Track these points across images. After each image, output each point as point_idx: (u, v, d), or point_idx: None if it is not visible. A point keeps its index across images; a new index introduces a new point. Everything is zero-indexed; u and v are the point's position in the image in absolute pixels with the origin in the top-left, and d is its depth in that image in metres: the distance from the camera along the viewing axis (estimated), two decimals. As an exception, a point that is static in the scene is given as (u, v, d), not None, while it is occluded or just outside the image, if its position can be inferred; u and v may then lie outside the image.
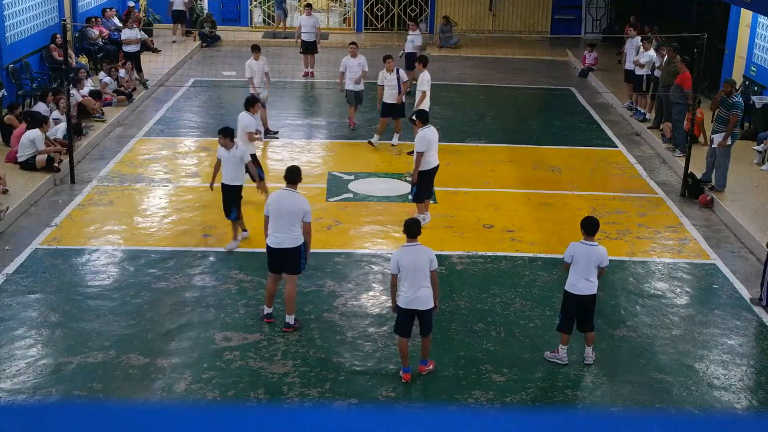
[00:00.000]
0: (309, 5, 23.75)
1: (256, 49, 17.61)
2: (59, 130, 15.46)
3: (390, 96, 16.41)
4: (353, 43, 18.38)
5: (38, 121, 14.71)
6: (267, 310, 10.02)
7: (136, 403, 8.36)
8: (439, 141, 17.09)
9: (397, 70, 16.48)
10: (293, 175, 9.78)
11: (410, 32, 21.45)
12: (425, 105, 15.61)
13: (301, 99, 20.92)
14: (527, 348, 9.70)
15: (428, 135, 12.60)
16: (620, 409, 8.81)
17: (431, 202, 13.37)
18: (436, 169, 12.88)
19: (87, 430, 1.93)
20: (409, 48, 20.98)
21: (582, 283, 9.07)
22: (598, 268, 9.12)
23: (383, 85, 16.46)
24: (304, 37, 22.66)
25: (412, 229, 8.88)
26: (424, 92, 15.88)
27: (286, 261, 9.73)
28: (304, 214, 9.58)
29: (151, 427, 1.95)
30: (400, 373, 9.03)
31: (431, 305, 8.81)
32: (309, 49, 22.77)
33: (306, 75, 22.70)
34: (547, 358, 9.35)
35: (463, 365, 9.29)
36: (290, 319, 9.87)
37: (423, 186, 12.73)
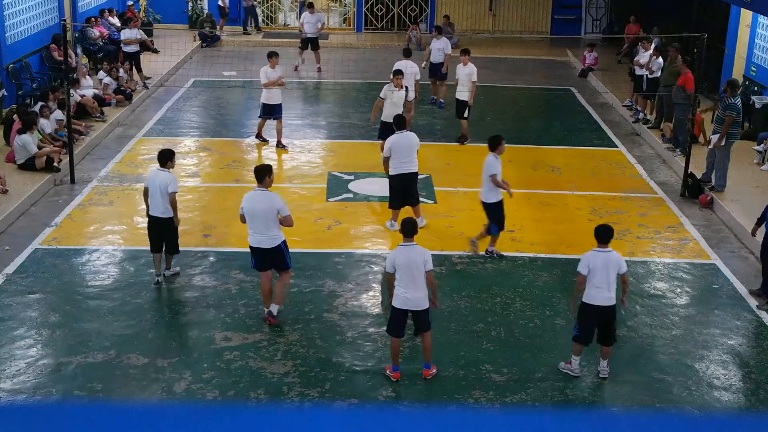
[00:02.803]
0: (311, 4, 23.96)
1: (272, 55, 16.48)
2: (47, 125, 15.41)
3: (390, 114, 14.53)
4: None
5: (27, 124, 14.46)
6: (267, 310, 10.03)
7: (136, 403, 8.36)
8: (440, 141, 17.33)
9: (406, 88, 15.08)
10: (261, 174, 9.71)
11: (435, 40, 20.07)
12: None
13: (301, 99, 20.91)
14: (527, 348, 9.69)
15: (391, 141, 12.30)
16: (620, 409, 8.80)
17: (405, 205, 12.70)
18: (406, 176, 12.30)
19: (87, 430, 1.93)
20: (438, 58, 19.80)
21: (600, 293, 8.79)
22: (620, 276, 8.88)
23: (384, 98, 14.99)
24: (308, 33, 23.07)
25: (409, 229, 8.86)
26: (473, 83, 16.81)
27: (270, 260, 9.79)
28: (279, 210, 9.60)
29: (151, 427, 1.95)
30: (389, 372, 9.01)
31: (426, 306, 8.80)
32: (310, 44, 23.17)
33: (296, 68, 22.84)
34: (561, 369, 9.19)
35: (463, 365, 9.28)
36: (274, 308, 9.88)
37: (391, 191, 12.52)
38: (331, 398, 8.63)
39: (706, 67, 15.54)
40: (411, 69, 16.92)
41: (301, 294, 10.77)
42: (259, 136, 16.94)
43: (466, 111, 17.17)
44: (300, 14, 28.01)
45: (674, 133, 16.56)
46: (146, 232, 11.04)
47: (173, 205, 10.58)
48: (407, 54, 17.76)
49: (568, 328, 10.04)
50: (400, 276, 8.67)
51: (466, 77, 16.97)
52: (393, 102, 14.84)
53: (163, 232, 10.72)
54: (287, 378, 8.94)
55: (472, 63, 17.18)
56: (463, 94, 17.01)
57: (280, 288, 9.93)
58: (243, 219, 9.78)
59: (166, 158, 10.73)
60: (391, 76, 15.11)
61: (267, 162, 15.90)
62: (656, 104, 18.06)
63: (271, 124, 16.72)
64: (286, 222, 9.70)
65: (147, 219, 10.85)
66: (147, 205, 10.75)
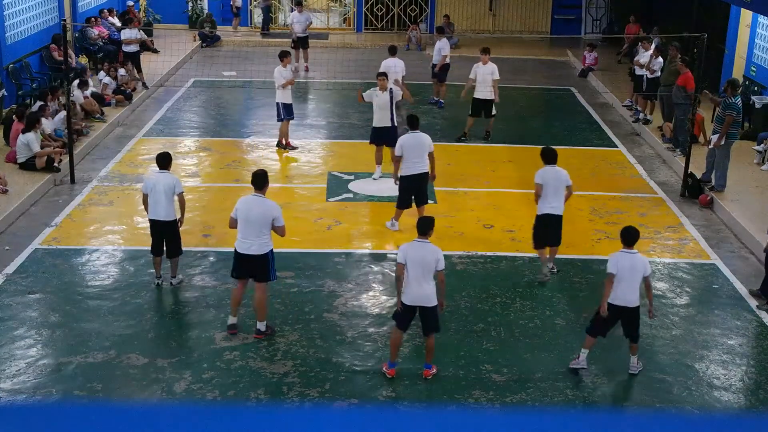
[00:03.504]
0: (299, 2, 23.94)
1: (285, 54, 16.34)
2: (48, 125, 15.41)
3: (381, 120, 14.52)
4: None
5: (30, 122, 14.48)
6: (231, 320, 9.78)
7: (136, 403, 8.35)
8: (440, 141, 17.31)
9: (390, 90, 14.47)
10: (259, 181, 9.56)
11: (437, 41, 20.14)
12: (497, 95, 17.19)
13: (301, 99, 20.89)
14: (527, 348, 9.69)
15: (402, 141, 12.28)
16: (620, 409, 8.80)
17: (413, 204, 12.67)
18: (417, 177, 12.26)
19: (87, 430, 1.93)
20: (436, 59, 19.83)
21: (622, 294, 8.83)
22: (644, 279, 8.87)
23: (370, 101, 14.67)
24: (298, 33, 23.19)
25: (424, 227, 8.86)
26: (496, 81, 17.15)
27: (255, 268, 9.55)
28: (274, 219, 9.42)
29: (151, 427, 1.94)
30: (384, 368, 9.01)
31: (435, 302, 8.79)
32: (300, 43, 23.24)
33: (296, 69, 22.78)
34: (571, 366, 9.17)
35: (463, 365, 9.28)
36: (261, 326, 9.70)
37: (401, 191, 12.51)
38: (331, 398, 8.63)
39: (706, 67, 15.53)
40: (396, 68, 16.96)
41: (301, 294, 10.77)
42: (288, 144, 16.36)
43: (494, 108, 17.34)
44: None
45: (674, 133, 16.55)
46: (147, 232, 10.96)
47: (183, 205, 10.56)
48: (393, 51, 17.76)
49: (568, 328, 10.06)
50: (410, 271, 8.67)
51: (488, 76, 17.14)
52: (379, 106, 14.43)
53: (166, 234, 10.58)
54: (287, 378, 8.94)
55: (492, 62, 17.37)
56: (484, 92, 17.16)
57: (260, 304, 9.66)
58: (233, 223, 9.54)
59: (168, 161, 10.65)
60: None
61: (269, 162, 15.92)
62: (659, 104, 18.03)
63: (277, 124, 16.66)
64: (279, 232, 9.53)
65: (149, 222, 10.65)
66: (147, 210, 10.59)
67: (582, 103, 21.12)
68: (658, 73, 18.08)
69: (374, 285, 11.16)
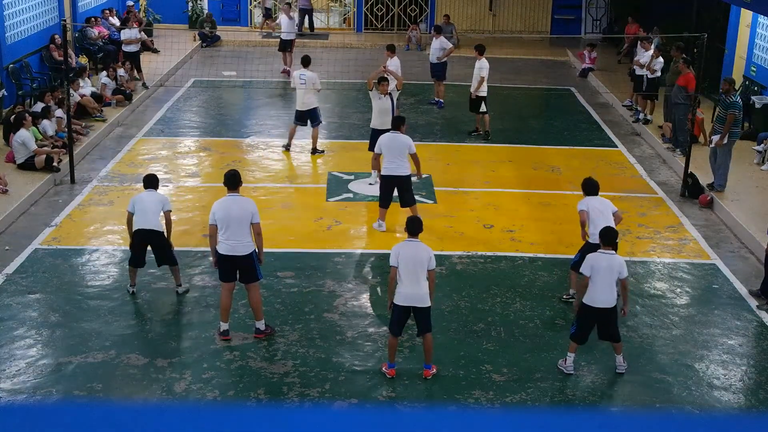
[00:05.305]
0: (288, 5, 23.90)
1: (307, 61, 16.40)
2: (49, 127, 15.41)
3: (382, 123, 14.15)
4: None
5: (18, 121, 14.41)
6: (223, 326, 9.69)
7: (136, 403, 8.35)
8: (440, 141, 17.36)
9: (390, 94, 14.35)
10: (235, 181, 9.56)
11: (434, 39, 20.19)
12: (483, 91, 17.13)
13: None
14: (527, 348, 9.69)
15: (381, 140, 12.30)
16: (620, 409, 8.80)
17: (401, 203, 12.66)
18: (395, 179, 12.18)
19: (87, 430, 1.93)
20: (433, 58, 19.86)
21: (602, 295, 8.83)
22: (620, 281, 8.87)
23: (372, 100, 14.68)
24: (282, 36, 23.05)
25: (414, 227, 8.87)
26: (483, 78, 17.11)
27: (242, 269, 9.53)
28: (252, 216, 9.39)
29: (151, 427, 1.94)
30: (384, 368, 9.02)
31: (428, 303, 8.79)
32: (285, 46, 22.99)
33: (284, 72, 22.59)
34: (558, 366, 9.22)
35: (463, 365, 9.28)
36: (260, 324, 9.70)
37: (381, 189, 12.51)
38: (331, 398, 8.63)
39: (706, 67, 15.52)
40: (397, 68, 16.95)
41: (301, 294, 10.77)
42: (316, 149, 16.34)
43: (482, 105, 17.34)
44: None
45: (674, 133, 16.55)
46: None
47: (170, 225, 10.45)
48: (392, 50, 17.75)
49: (568, 328, 10.05)
50: (403, 272, 8.67)
51: (476, 72, 17.27)
52: (380, 110, 14.30)
53: (153, 242, 10.38)
54: (287, 378, 8.94)
55: (485, 59, 17.39)
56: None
57: (256, 304, 9.67)
58: (213, 231, 9.49)
59: (155, 182, 10.58)
60: (376, 82, 14.42)
61: (269, 162, 15.93)
62: (662, 104, 17.98)
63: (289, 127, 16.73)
64: (256, 229, 9.49)
65: (132, 236, 10.34)
66: (130, 230, 10.36)
67: (582, 103, 21.12)
68: (659, 73, 18.06)
69: (374, 285, 11.16)
